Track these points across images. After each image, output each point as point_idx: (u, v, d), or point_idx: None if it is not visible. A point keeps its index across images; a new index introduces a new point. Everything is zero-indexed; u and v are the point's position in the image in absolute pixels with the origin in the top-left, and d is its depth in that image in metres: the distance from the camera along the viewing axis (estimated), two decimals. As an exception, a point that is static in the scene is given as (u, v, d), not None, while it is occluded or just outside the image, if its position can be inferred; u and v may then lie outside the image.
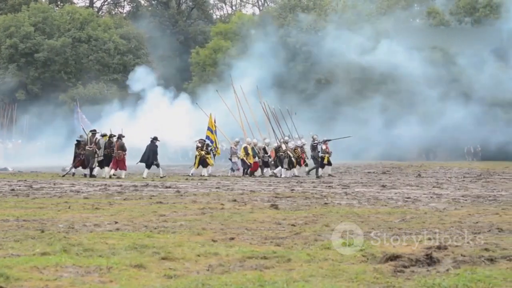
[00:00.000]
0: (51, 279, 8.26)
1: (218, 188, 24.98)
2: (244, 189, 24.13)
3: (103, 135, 33.12)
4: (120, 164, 32.60)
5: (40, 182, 27.77)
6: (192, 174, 34.38)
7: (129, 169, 33.78)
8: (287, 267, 9.03)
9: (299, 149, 35.29)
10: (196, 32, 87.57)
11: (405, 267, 8.94)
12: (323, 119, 58.64)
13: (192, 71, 75.51)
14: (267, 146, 36.28)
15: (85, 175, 33.08)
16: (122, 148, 32.68)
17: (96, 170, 32.94)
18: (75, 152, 33.68)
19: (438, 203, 18.81)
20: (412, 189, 24.87)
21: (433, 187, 25.88)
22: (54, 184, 26.44)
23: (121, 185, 25.74)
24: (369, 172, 35.84)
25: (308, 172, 34.45)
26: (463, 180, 30.44)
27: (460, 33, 66.44)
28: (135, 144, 37.88)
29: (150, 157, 33.74)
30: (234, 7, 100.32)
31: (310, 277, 8.35)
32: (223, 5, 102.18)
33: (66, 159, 35.74)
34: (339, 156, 47.36)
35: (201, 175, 34.06)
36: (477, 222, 13.85)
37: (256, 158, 35.28)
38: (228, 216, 14.80)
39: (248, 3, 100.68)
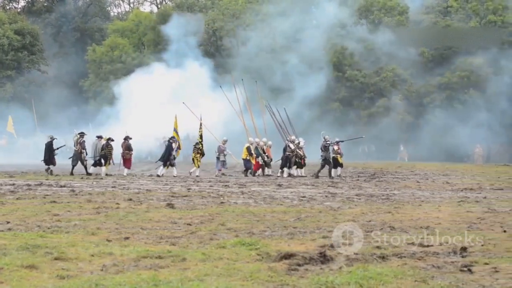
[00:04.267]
0: None
1: (114, 187, 24.70)
2: (140, 188, 23.95)
3: (99, 137, 35.46)
4: (126, 162, 35.10)
5: None
6: (162, 174, 33.75)
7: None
8: (182, 266, 9.03)
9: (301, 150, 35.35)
10: (93, 29, 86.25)
11: (299, 265, 9.05)
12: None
13: (88, 68, 74.40)
14: (265, 145, 36.33)
15: (50, 171, 33.98)
16: (129, 148, 35.33)
17: (92, 168, 34.59)
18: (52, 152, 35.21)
19: (332, 202, 19.12)
20: (307, 188, 25.19)
21: (328, 186, 26.28)
22: None
23: (13, 184, 25.14)
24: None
25: (317, 175, 33.69)
26: (357, 179, 31.03)
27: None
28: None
29: (166, 156, 34.50)
30: (131, 5, 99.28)
31: (205, 276, 8.36)
32: (121, 2, 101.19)
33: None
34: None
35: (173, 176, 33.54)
36: (370, 221, 14.14)
37: (259, 158, 35.28)
38: (123, 216, 14.68)
39: (146, 1, 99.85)
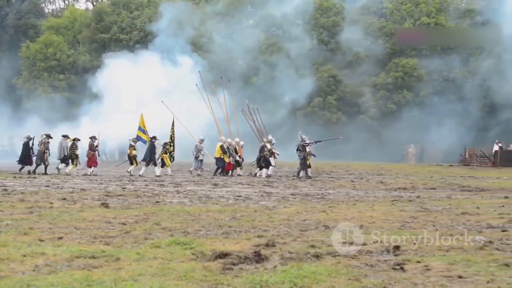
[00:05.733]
0: None
1: (48, 186, 24.40)
2: (74, 188, 23.70)
3: (64, 136, 35.89)
4: (89, 162, 35.31)
5: None
6: (141, 173, 33.41)
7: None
8: (116, 266, 8.94)
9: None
10: (27, 26, 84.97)
11: (234, 264, 9.04)
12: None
13: (22, 65, 73.30)
14: (237, 145, 36.33)
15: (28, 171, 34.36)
16: (91, 148, 35.49)
17: (63, 166, 35.53)
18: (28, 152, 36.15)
19: (268, 201, 19.17)
20: (243, 187, 25.24)
21: (264, 185, 26.37)
22: None
23: None
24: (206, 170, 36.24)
25: (299, 176, 33.20)
26: (293, 179, 31.19)
27: None
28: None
29: (148, 155, 34.48)
30: (66, 2, 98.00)
31: (139, 276, 8.29)
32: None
33: None
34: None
35: (130, 174, 33.61)
36: (304, 220, 14.20)
37: (231, 158, 35.19)
38: (57, 215, 14.48)
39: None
